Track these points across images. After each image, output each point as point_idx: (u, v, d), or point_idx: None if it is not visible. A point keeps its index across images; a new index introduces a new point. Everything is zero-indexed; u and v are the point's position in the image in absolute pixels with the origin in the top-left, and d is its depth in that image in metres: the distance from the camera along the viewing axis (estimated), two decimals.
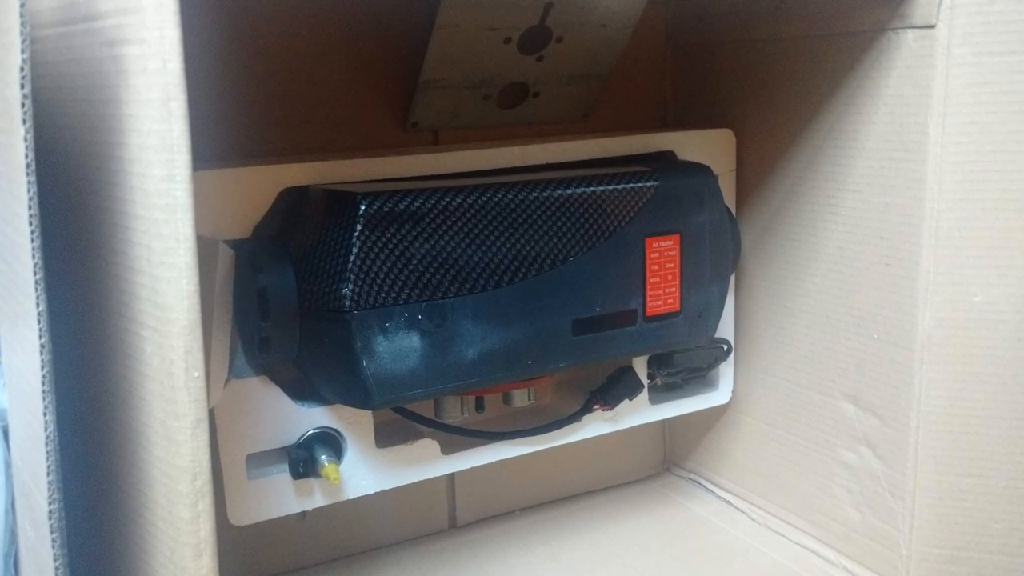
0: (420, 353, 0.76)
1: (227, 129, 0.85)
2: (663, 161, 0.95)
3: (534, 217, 0.81)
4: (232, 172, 0.76)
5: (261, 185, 0.77)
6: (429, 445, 0.89)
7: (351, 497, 0.85)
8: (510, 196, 0.80)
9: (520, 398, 0.92)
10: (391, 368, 0.75)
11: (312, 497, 0.84)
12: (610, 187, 0.85)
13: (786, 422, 1.01)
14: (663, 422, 1.17)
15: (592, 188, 0.84)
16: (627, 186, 0.86)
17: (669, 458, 1.21)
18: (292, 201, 0.78)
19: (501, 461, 0.94)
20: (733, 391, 1.07)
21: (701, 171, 0.93)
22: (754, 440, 1.06)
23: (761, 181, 1.00)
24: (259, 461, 0.81)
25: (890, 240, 0.85)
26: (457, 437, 0.91)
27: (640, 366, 0.99)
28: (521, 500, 1.11)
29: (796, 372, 0.98)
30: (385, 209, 0.74)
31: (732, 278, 1.00)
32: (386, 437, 0.87)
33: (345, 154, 0.86)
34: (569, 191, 0.82)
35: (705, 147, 0.98)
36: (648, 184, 0.87)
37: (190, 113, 0.53)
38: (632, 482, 1.18)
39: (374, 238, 0.73)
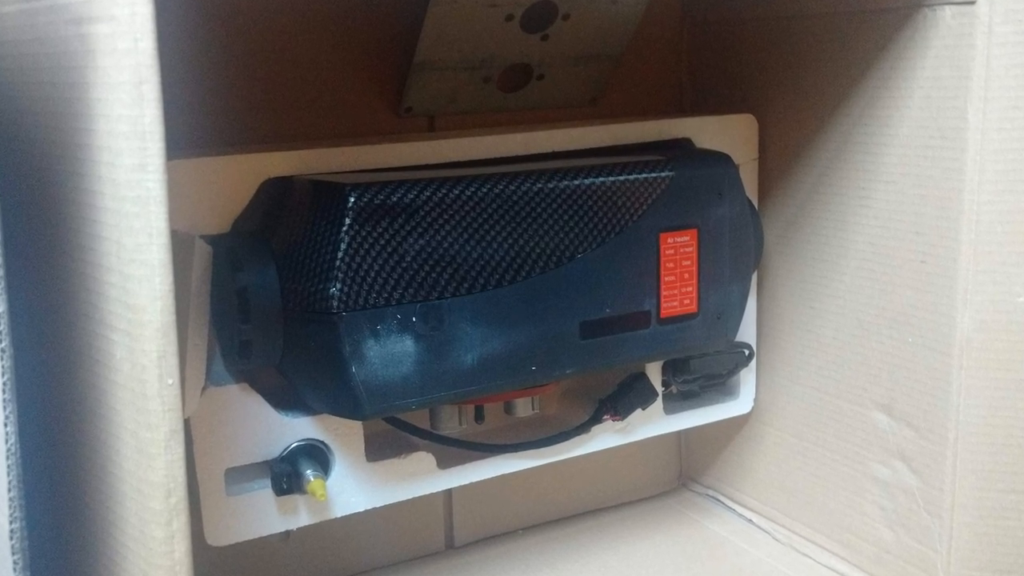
0: (414, 358, 0.76)
1: (204, 115, 0.85)
2: (679, 149, 0.95)
3: (538, 210, 0.81)
4: (210, 161, 0.76)
5: (241, 176, 0.77)
6: (424, 458, 0.89)
7: (339, 515, 0.85)
8: (512, 187, 0.80)
9: (523, 407, 0.92)
10: (383, 374, 0.75)
11: (296, 515, 0.84)
12: (621, 178, 0.85)
13: (813, 433, 1.01)
14: (679, 434, 1.17)
15: (601, 179, 0.83)
16: (639, 176, 0.86)
17: (685, 473, 1.21)
18: (275, 193, 0.78)
19: (502, 476, 0.94)
20: (755, 400, 1.07)
21: (720, 160, 0.93)
22: (778, 453, 1.06)
23: (785, 171, 1.00)
24: (239, 476, 0.81)
25: (926, 235, 0.85)
26: (454, 450, 0.91)
27: (654, 373, 0.99)
28: (524, 519, 1.11)
29: (824, 379, 0.98)
30: (376, 201, 0.74)
31: (754, 277, 1.00)
32: (377, 450, 0.87)
33: (333, 142, 0.86)
34: (576, 182, 0.82)
35: (725, 134, 0.98)
36: (662, 174, 0.87)
37: (164, 97, 0.53)
38: (645, 499, 1.18)
39: (364, 233, 0.73)
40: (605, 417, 0.96)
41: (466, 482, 0.92)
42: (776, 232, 1.02)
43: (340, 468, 0.84)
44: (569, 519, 1.13)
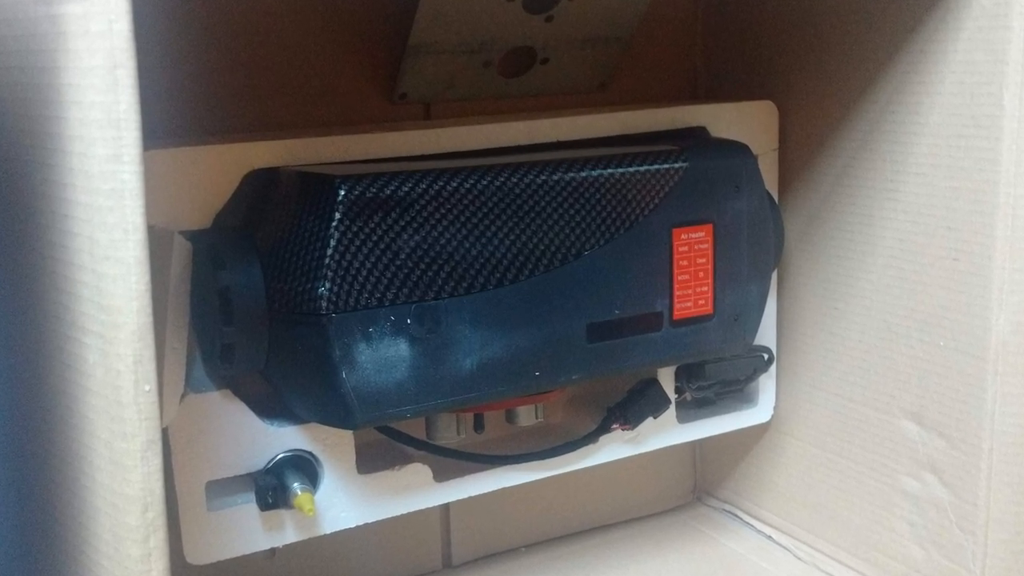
0: (409, 363, 0.76)
1: (183, 102, 0.85)
2: (693, 139, 0.95)
3: (542, 204, 0.81)
4: (189, 151, 0.76)
5: (223, 167, 0.77)
6: (420, 471, 0.89)
7: (328, 532, 0.85)
8: (514, 180, 0.80)
9: (526, 416, 0.92)
10: (375, 380, 0.75)
11: (282, 532, 0.83)
12: (631, 169, 0.85)
13: (837, 443, 1.01)
14: (693, 444, 1.17)
15: (610, 170, 0.83)
16: (650, 168, 0.86)
17: (700, 486, 1.21)
18: (260, 185, 0.78)
19: (503, 490, 0.94)
20: (775, 407, 1.07)
21: (737, 150, 0.93)
22: (799, 465, 1.06)
23: (808, 162, 1.00)
24: (220, 490, 0.81)
25: (959, 231, 0.85)
26: (452, 462, 0.91)
27: (666, 378, 0.98)
28: (527, 535, 1.11)
29: (849, 385, 0.98)
30: (368, 195, 0.74)
31: (774, 275, 1.00)
32: (370, 461, 0.87)
33: (321, 130, 0.86)
34: (583, 174, 0.82)
35: (742, 122, 0.98)
36: (675, 165, 0.87)
37: (140, 83, 0.53)
38: (657, 514, 1.18)
39: (355, 229, 0.73)
40: (614, 426, 0.96)
41: (465, 496, 0.92)
42: (798, 227, 1.02)
43: (329, 481, 0.84)
44: (575, 535, 1.13)
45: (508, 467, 0.93)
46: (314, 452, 0.83)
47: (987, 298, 0.83)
